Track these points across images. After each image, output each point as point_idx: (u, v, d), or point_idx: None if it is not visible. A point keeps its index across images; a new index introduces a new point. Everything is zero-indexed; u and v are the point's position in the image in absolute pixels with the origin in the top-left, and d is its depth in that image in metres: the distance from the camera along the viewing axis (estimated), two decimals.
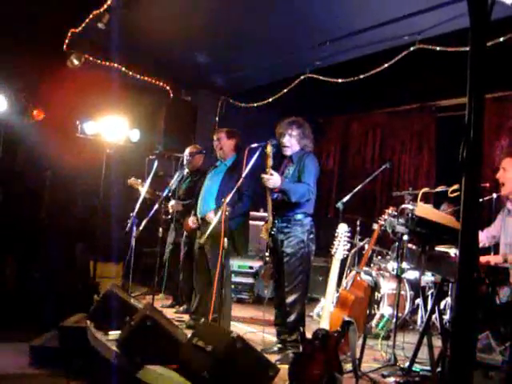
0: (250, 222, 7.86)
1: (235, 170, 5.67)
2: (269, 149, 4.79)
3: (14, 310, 6.64)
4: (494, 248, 4.82)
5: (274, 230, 4.93)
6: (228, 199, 4.79)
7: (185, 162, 6.95)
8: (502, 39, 5.78)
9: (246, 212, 5.91)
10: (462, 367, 1.72)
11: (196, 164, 7.14)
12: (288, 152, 5.11)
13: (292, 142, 5.12)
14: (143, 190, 6.61)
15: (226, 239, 4.68)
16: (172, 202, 6.88)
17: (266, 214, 5.56)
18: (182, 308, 6.97)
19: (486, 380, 3.17)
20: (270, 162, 4.78)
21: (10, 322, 6.33)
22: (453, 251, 5.31)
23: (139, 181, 7.14)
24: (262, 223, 5.30)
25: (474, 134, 1.76)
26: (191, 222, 6.01)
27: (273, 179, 4.77)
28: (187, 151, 7.05)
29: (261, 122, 7.89)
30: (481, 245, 4.66)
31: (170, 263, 7.22)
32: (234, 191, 4.90)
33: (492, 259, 4.17)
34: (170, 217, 7.01)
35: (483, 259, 4.17)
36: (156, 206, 6.44)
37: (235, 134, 6.08)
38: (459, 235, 1.72)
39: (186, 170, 7.06)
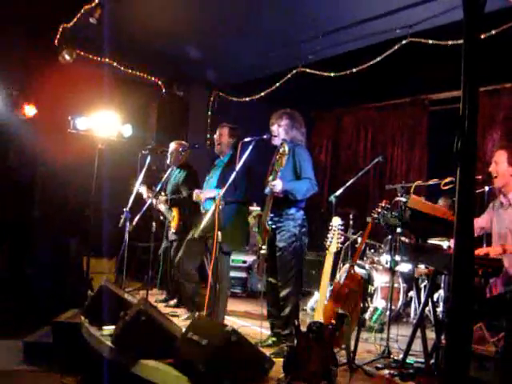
0: None
1: (231, 165, 5.70)
2: (286, 148, 4.66)
3: (7, 305, 6.63)
4: (487, 238, 4.84)
5: (270, 223, 4.91)
6: (222, 192, 4.80)
7: (168, 158, 6.99)
8: (493, 32, 5.80)
9: (239, 205, 5.86)
10: (458, 359, 1.73)
11: (180, 160, 7.10)
12: (276, 141, 5.10)
13: (279, 132, 5.11)
14: (136, 185, 6.61)
15: (219, 232, 4.69)
16: (161, 199, 6.89)
17: (257, 209, 5.58)
18: (172, 302, 6.98)
19: (480, 371, 3.19)
20: (284, 161, 4.71)
21: (3, 317, 6.31)
22: (445, 244, 5.33)
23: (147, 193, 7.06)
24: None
25: (469, 127, 1.76)
26: (195, 194, 5.99)
27: (277, 185, 4.74)
28: (171, 147, 7.07)
29: (253, 117, 7.87)
30: None
31: (165, 258, 7.21)
32: (227, 185, 4.90)
33: (491, 251, 4.18)
34: (161, 216, 7.03)
35: (482, 251, 4.18)
36: (149, 201, 6.45)
37: (237, 132, 6.11)
38: (455, 227, 1.73)
39: (175, 167, 7.05)
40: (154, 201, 6.73)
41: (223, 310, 5.70)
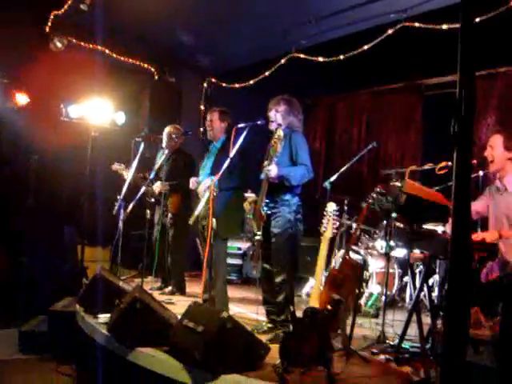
0: None
1: (225, 150, 5.67)
2: (281, 133, 4.64)
3: (2, 294, 6.62)
4: (482, 223, 4.84)
5: (265, 209, 4.88)
6: (216, 179, 4.78)
7: (163, 142, 6.94)
8: (487, 16, 5.77)
9: (234, 191, 5.83)
10: (455, 343, 1.72)
11: (175, 145, 7.05)
12: (273, 127, 5.06)
13: (277, 117, 5.07)
14: (130, 172, 6.56)
15: (214, 219, 4.68)
16: (157, 184, 6.84)
17: (252, 195, 5.54)
18: (167, 289, 6.96)
19: (475, 354, 3.19)
20: (279, 147, 4.69)
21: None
22: (440, 229, 5.32)
23: (123, 165, 7.06)
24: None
25: (466, 110, 1.75)
26: (191, 182, 6.00)
27: (272, 170, 4.71)
28: (166, 130, 7.00)
29: (246, 103, 7.85)
30: None
31: (159, 245, 7.18)
32: (221, 171, 4.88)
33: (488, 236, 4.17)
34: (153, 199, 6.97)
35: (478, 236, 4.17)
36: (143, 189, 6.42)
37: (228, 115, 6.12)
38: (452, 210, 1.72)
39: (166, 151, 6.99)
40: (148, 188, 6.70)
41: (223, 296, 5.68)
